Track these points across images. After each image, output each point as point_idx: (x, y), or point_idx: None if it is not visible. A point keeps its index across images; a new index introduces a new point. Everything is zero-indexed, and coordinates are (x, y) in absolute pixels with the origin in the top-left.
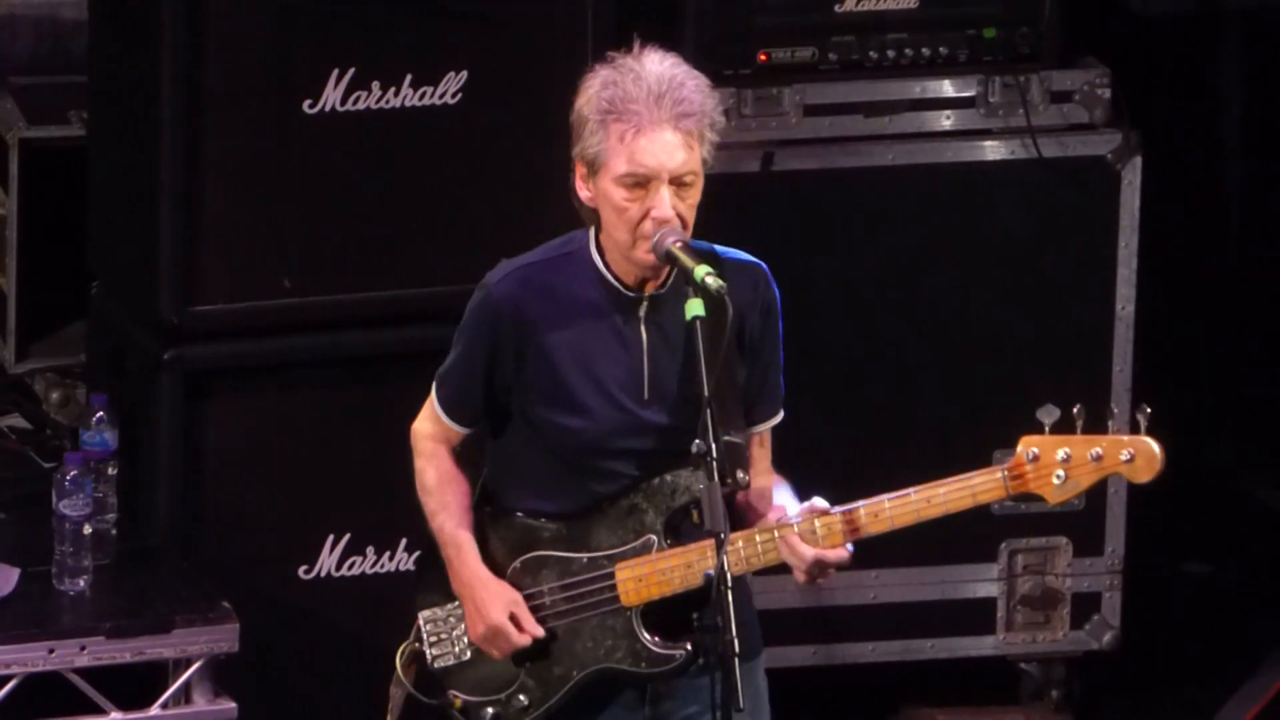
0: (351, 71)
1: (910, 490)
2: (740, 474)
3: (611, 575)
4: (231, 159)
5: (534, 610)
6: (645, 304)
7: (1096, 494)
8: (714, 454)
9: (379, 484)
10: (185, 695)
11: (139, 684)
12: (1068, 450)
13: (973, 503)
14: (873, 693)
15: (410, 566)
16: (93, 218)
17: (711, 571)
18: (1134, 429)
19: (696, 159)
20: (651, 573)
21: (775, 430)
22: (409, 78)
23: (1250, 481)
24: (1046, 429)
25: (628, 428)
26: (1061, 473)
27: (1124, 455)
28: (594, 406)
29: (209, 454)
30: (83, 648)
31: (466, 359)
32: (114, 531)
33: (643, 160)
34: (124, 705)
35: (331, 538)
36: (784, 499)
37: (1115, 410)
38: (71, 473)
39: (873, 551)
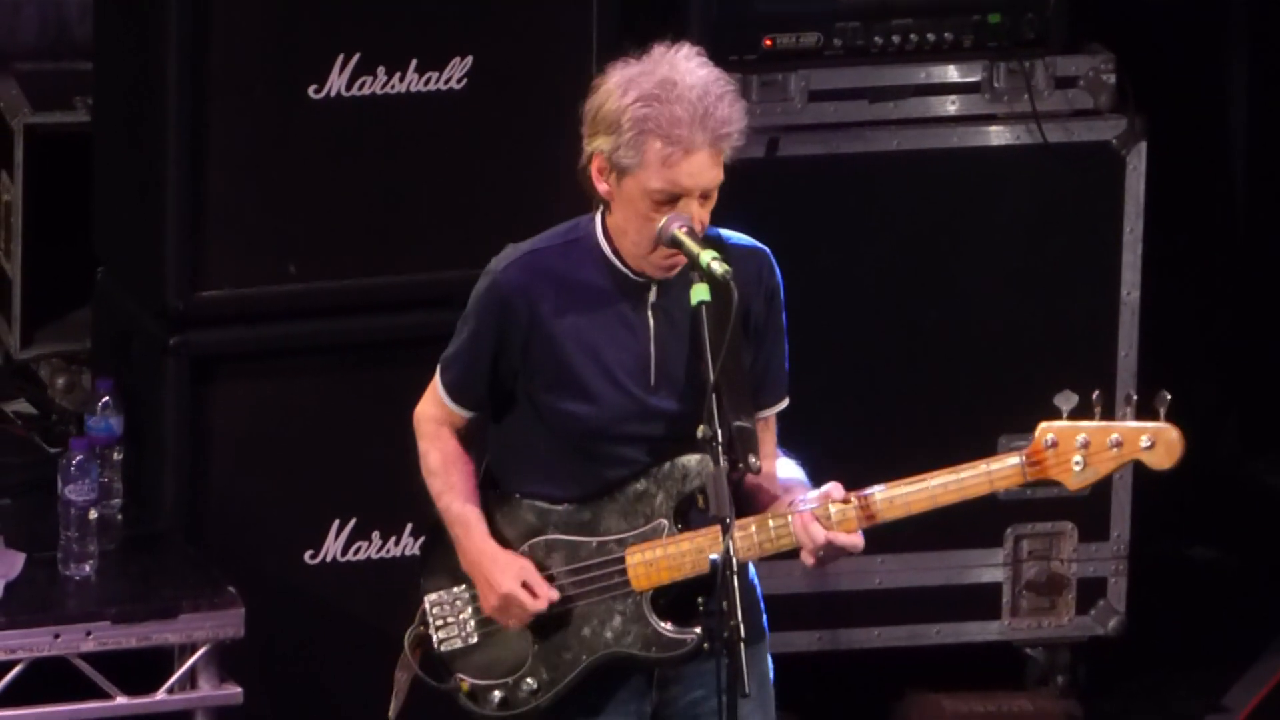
0: (356, 57)
1: (928, 476)
2: (753, 459)
3: (622, 560)
4: (236, 144)
5: None
6: (654, 290)
7: (1101, 479)
8: (719, 439)
9: (384, 469)
10: (191, 680)
11: (144, 669)
12: (1086, 436)
13: (990, 489)
14: (878, 678)
15: (416, 551)
16: (98, 203)
17: (717, 556)
18: (1153, 415)
19: (721, 168)
20: (662, 557)
21: (780, 414)
22: (414, 63)
23: (1256, 466)
24: (1064, 415)
25: (634, 414)
26: (1080, 459)
27: (1144, 442)
28: (600, 392)
29: (214, 439)
30: (88, 633)
31: (472, 344)
32: (119, 517)
33: (679, 181)
34: (130, 690)
35: (337, 523)
36: (789, 472)
37: (1134, 397)
38: (77, 458)
39: (878, 537)
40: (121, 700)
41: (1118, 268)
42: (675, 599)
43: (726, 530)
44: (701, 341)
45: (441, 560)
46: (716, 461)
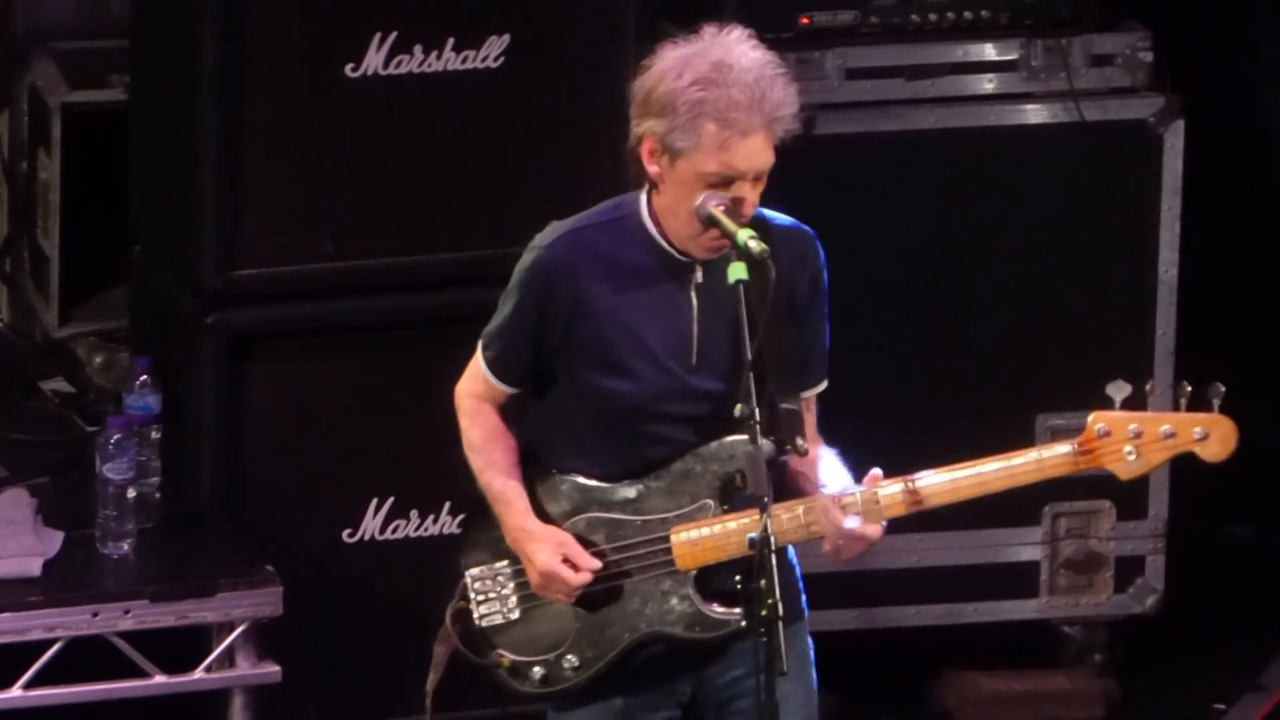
0: (394, 35)
1: (979, 462)
2: (800, 441)
3: (666, 539)
4: (273, 123)
5: None
6: (699, 270)
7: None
8: (756, 418)
9: (422, 447)
10: (229, 659)
11: (182, 648)
12: (1139, 426)
13: (1040, 477)
14: (915, 656)
15: (454, 530)
16: (134, 182)
17: (755, 535)
18: (1190, 401)
19: (773, 151)
20: (707, 537)
21: (819, 396)
22: (451, 41)
23: None
24: (1117, 404)
25: (676, 393)
26: (1132, 449)
27: (1197, 433)
28: (640, 371)
29: (252, 418)
30: (126, 611)
31: (514, 320)
32: (157, 495)
33: (735, 164)
34: (167, 669)
35: (375, 501)
36: (830, 466)
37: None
38: (115, 436)
39: (915, 516)
40: (159, 679)
41: (1155, 246)
42: (718, 579)
43: (764, 509)
44: (740, 321)
45: (484, 536)
46: (754, 440)
